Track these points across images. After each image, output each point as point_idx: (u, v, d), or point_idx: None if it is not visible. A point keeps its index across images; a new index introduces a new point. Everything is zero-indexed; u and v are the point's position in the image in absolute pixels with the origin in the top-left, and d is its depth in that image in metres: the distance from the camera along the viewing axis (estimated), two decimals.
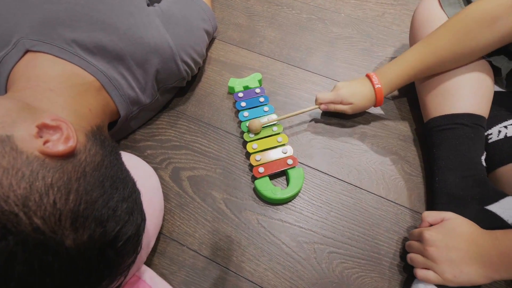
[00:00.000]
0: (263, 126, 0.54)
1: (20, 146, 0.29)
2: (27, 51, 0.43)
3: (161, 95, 0.56)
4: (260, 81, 0.62)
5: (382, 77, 0.51)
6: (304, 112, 0.54)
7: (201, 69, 0.66)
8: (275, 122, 0.55)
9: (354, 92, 0.53)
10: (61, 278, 0.28)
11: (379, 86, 0.51)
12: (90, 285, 0.31)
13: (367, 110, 0.59)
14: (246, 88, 0.61)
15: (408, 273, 0.45)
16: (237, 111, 0.58)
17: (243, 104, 0.58)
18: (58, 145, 0.31)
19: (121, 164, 0.38)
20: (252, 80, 0.61)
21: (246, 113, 0.57)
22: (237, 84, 0.61)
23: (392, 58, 0.68)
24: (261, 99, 0.58)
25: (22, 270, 0.26)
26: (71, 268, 0.28)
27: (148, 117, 0.59)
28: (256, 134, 0.54)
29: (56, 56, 0.44)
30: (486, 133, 0.52)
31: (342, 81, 0.55)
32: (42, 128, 0.32)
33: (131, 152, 0.51)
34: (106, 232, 0.31)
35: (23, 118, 0.32)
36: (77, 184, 0.31)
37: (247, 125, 0.53)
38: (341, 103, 0.53)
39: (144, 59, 0.50)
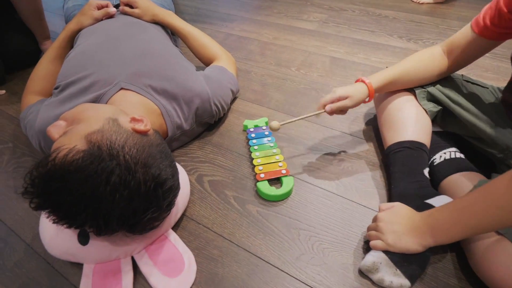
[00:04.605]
0: (281, 125, 0.66)
1: (121, 124, 0.53)
2: (121, 89, 0.71)
3: (197, 126, 0.81)
4: (266, 123, 0.86)
5: (372, 80, 0.69)
6: (311, 115, 0.68)
7: (225, 116, 0.91)
8: (273, 144, 0.76)
9: (348, 88, 0.67)
10: (131, 194, 0.46)
11: (369, 81, 0.68)
12: (141, 208, 0.48)
13: (340, 131, 0.79)
14: (256, 126, 0.84)
15: (368, 252, 0.57)
16: (248, 140, 0.80)
17: (253, 135, 0.81)
18: (141, 127, 0.54)
19: (171, 152, 0.60)
20: (260, 122, 0.86)
21: (254, 141, 0.79)
22: (250, 123, 0.85)
23: (366, 114, 0.91)
24: (266, 133, 0.81)
25: (115, 180, 0.45)
26: (138, 188, 0.47)
27: (185, 141, 0.82)
28: (275, 131, 0.67)
29: (138, 93, 0.71)
30: (432, 158, 0.70)
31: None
32: (132, 120, 0.56)
33: None
34: (160, 176, 0.50)
35: (122, 114, 0.57)
36: (147, 148, 0.52)
37: (269, 124, 0.67)
38: (338, 99, 0.67)
39: (190, 100, 0.76)
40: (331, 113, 0.68)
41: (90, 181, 0.43)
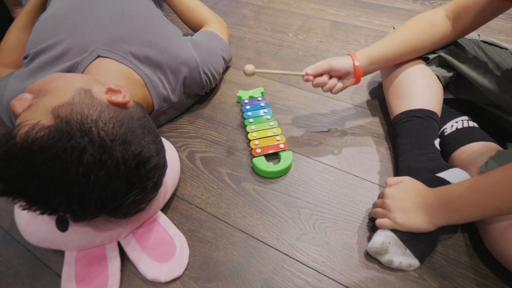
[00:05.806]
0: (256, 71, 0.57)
1: (95, 95, 0.46)
2: (98, 56, 0.62)
3: (186, 98, 0.74)
4: (262, 93, 0.79)
5: (361, 58, 0.61)
6: (289, 74, 0.60)
7: (217, 86, 0.84)
8: (270, 116, 0.70)
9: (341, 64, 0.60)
10: (109, 174, 0.41)
11: (358, 64, 0.61)
12: (121, 190, 0.42)
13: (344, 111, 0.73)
14: (251, 97, 0.77)
15: (374, 231, 0.53)
16: (243, 113, 0.74)
17: (248, 107, 0.74)
18: (118, 99, 0.47)
19: (155, 127, 0.53)
20: (256, 92, 0.78)
21: (249, 113, 0.72)
22: (244, 94, 0.78)
23: (370, 81, 0.84)
24: (262, 104, 0.74)
25: (88, 160, 0.39)
26: (116, 168, 0.41)
27: (174, 115, 0.75)
28: (248, 75, 0.57)
29: (117, 61, 0.63)
30: (442, 128, 0.65)
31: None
32: (108, 91, 0.49)
33: None
34: (142, 153, 0.44)
35: (97, 84, 0.49)
36: (126, 122, 0.46)
37: (244, 67, 0.57)
38: (330, 73, 0.60)
39: (176, 68, 0.68)
40: (314, 83, 0.61)
41: (59, 162, 0.37)
